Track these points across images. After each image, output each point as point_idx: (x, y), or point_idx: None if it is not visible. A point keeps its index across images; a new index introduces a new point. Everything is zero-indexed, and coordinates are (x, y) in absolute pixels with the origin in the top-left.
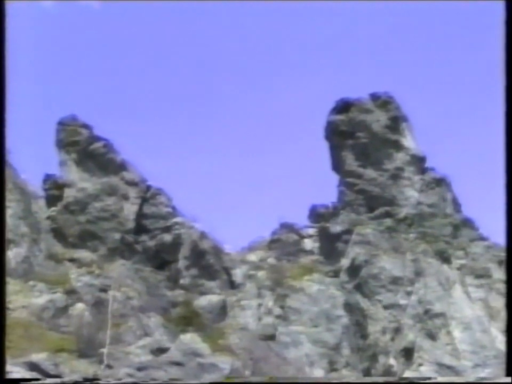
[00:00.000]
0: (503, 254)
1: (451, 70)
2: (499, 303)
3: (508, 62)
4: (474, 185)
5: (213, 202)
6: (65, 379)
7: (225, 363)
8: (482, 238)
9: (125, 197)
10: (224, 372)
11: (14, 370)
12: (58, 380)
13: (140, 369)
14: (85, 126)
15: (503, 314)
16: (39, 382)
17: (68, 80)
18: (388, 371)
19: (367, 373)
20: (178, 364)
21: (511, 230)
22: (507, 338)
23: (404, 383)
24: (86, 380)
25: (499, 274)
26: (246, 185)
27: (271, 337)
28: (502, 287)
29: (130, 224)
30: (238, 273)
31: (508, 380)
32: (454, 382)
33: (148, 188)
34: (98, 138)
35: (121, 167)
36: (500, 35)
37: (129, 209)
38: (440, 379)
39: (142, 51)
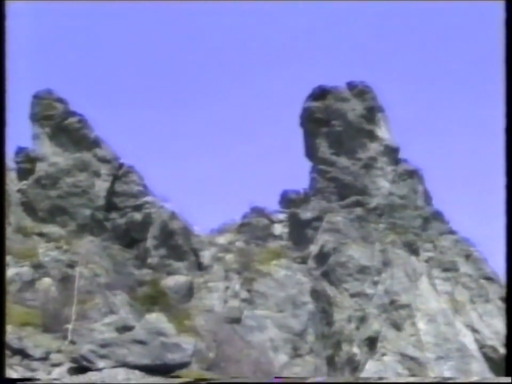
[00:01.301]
0: (471, 249)
1: (431, 64)
2: (464, 297)
3: (508, 62)
4: (446, 179)
5: (185, 183)
6: (65, 380)
7: (188, 344)
8: (451, 232)
9: (97, 174)
10: (187, 352)
11: None
12: (58, 381)
13: (103, 346)
14: (60, 101)
15: (468, 308)
16: (40, 382)
17: (45, 54)
18: (351, 359)
19: (330, 360)
20: (142, 342)
21: (510, 237)
22: (507, 338)
23: (405, 383)
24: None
25: (466, 268)
26: (220, 168)
27: (237, 320)
28: (468, 281)
29: (101, 201)
30: (206, 255)
31: (508, 379)
32: (454, 382)
33: (120, 165)
34: (73, 114)
35: (94, 143)
36: (496, 33)
37: (101, 186)
38: (440, 379)
39: (117, 30)
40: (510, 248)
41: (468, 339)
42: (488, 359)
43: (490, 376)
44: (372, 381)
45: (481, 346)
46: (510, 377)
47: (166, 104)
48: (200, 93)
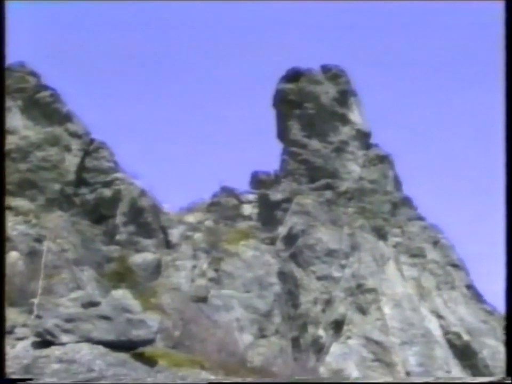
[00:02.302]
0: (438, 235)
1: (406, 51)
2: (430, 283)
3: (508, 62)
4: (416, 165)
5: (156, 161)
6: (65, 381)
7: (153, 320)
8: (420, 218)
9: (68, 148)
10: (152, 329)
11: None
12: (58, 381)
13: (68, 320)
14: (33, 74)
15: (433, 294)
16: (39, 382)
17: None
18: (316, 342)
19: (295, 342)
20: (107, 318)
21: (510, 244)
22: (507, 338)
23: (405, 383)
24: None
25: (433, 254)
26: (192, 146)
27: (203, 300)
28: (434, 267)
29: (71, 176)
30: (174, 233)
31: (508, 380)
32: (455, 382)
33: (91, 141)
34: (45, 87)
35: (66, 118)
36: (497, 33)
37: (71, 161)
38: (440, 379)
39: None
40: (510, 256)
41: (433, 325)
42: (452, 345)
43: (452, 362)
44: (372, 381)
45: (446, 333)
46: (510, 378)
47: (140, 83)
48: (174, 72)
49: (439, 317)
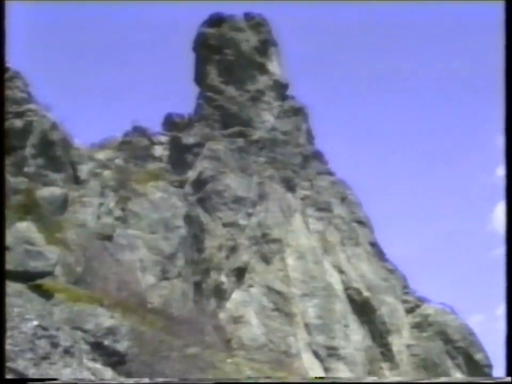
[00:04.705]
0: (347, 191)
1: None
2: (335, 238)
3: (508, 62)
4: (331, 119)
5: (71, 93)
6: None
7: (52, 253)
8: (329, 173)
9: None
10: (51, 261)
11: None
12: (59, 381)
13: None
14: None
15: (337, 249)
16: (40, 382)
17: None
18: (218, 287)
19: (197, 286)
20: (6, 248)
21: (510, 239)
22: (507, 338)
23: (405, 382)
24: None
25: (340, 210)
26: (109, 83)
27: (108, 238)
28: (340, 222)
29: None
30: (83, 169)
31: (508, 379)
32: (455, 382)
33: (6, 69)
34: None
35: None
36: (499, 34)
37: None
38: (442, 379)
39: None
40: (510, 249)
41: (334, 279)
42: (351, 300)
43: (351, 317)
44: (372, 381)
45: (346, 288)
46: (510, 377)
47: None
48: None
49: (341, 271)
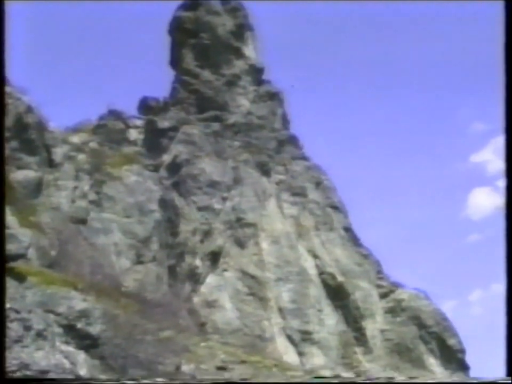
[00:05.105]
0: (322, 176)
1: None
2: (310, 222)
3: (507, 62)
4: (306, 105)
5: (45, 77)
6: (66, 380)
7: (25, 236)
8: (304, 158)
9: None
10: (23, 244)
11: None
12: (62, 380)
13: None
14: None
15: (311, 234)
16: (45, 382)
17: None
18: (192, 271)
19: (172, 270)
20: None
21: (510, 244)
22: (507, 337)
23: (407, 383)
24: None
25: (314, 195)
26: (85, 67)
27: (83, 221)
28: (315, 207)
29: None
30: (58, 153)
31: (508, 380)
32: (455, 382)
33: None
34: None
35: None
36: (499, 35)
37: None
38: (442, 379)
39: None
40: (510, 257)
41: (309, 264)
42: (326, 285)
43: (325, 302)
44: (371, 381)
45: (321, 273)
46: (510, 378)
47: None
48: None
49: (315, 256)
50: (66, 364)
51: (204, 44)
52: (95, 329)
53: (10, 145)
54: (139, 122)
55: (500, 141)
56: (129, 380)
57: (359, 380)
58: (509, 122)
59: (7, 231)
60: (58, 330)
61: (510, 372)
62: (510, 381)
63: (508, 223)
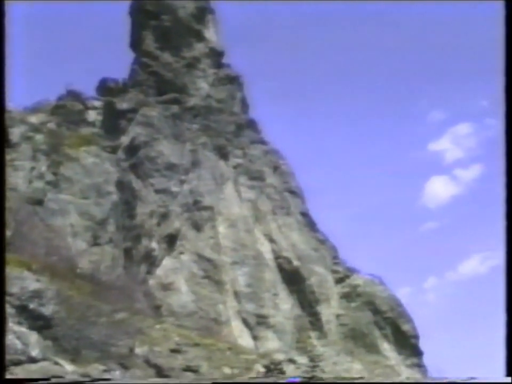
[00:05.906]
0: (280, 161)
1: None
2: (267, 207)
3: (508, 62)
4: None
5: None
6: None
7: None
8: (263, 142)
9: None
10: None
11: None
12: (61, 380)
13: None
14: None
15: (268, 218)
16: (41, 382)
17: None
18: (149, 254)
19: (128, 252)
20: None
21: (509, 237)
22: (507, 337)
23: (407, 383)
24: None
25: (272, 179)
26: (44, 46)
27: (39, 202)
28: (272, 192)
29: None
30: (15, 133)
31: (508, 380)
32: (455, 382)
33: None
34: None
35: None
36: (499, 34)
37: None
38: (442, 379)
39: None
40: (510, 248)
41: (265, 248)
42: (281, 269)
43: (280, 286)
44: (372, 381)
45: (277, 257)
46: (510, 377)
47: None
48: None
49: (272, 240)
50: (18, 345)
51: (165, 26)
52: (47, 310)
53: None
54: (98, 104)
55: (457, 130)
56: (129, 379)
57: (359, 380)
58: (509, 122)
59: None
60: (11, 310)
61: (510, 372)
62: (510, 381)
63: (507, 223)
